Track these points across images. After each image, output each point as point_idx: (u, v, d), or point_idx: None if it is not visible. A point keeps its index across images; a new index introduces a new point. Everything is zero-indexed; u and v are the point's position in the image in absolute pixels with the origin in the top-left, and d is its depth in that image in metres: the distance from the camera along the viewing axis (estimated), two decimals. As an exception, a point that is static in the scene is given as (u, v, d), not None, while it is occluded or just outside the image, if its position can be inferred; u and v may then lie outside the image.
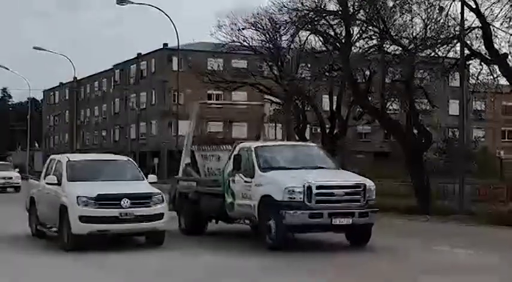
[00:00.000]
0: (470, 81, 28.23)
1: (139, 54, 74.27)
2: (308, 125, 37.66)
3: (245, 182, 15.01)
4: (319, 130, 37.63)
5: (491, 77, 26.94)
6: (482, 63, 26.65)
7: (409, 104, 28.03)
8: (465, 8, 24.76)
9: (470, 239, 17.87)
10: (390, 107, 33.03)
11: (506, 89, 29.63)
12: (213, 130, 68.11)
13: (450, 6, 25.89)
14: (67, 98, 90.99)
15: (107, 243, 14.89)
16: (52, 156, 17.16)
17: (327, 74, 33.38)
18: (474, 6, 25.02)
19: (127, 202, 14.03)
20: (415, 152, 27.00)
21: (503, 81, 27.45)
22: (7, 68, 74.34)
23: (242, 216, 15.79)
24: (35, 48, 64.91)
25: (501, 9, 24.96)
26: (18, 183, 39.91)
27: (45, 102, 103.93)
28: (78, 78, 77.62)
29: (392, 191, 33.96)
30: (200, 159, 18.09)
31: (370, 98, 31.12)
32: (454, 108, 54.06)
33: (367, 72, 31.48)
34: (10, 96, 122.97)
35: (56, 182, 15.07)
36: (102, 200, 14.03)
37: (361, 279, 11.84)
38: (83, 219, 13.86)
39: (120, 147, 75.94)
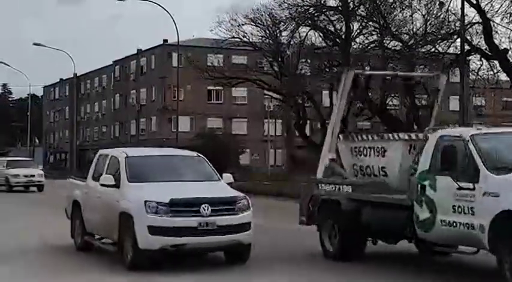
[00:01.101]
0: (470, 77, 28.25)
1: (139, 50, 74.29)
2: (308, 121, 37.68)
3: (460, 188, 9.89)
4: (319, 126, 37.65)
5: (492, 73, 26.97)
6: (483, 59, 26.67)
7: (409, 99, 28.02)
8: (465, 3, 24.78)
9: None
10: (390, 103, 33.05)
11: (506, 84, 29.64)
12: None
13: (450, 2, 26.03)
14: (67, 94, 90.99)
15: (173, 260, 11.73)
16: (102, 152, 13.89)
17: (327, 69, 33.39)
18: (474, 2, 25.02)
19: (207, 209, 11.09)
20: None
21: (503, 76, 27.46)
22: (7, 64, 74.36)
23: (451, 239, 10.46)
24: (35, 44, 64.94)
25: (501, 5, 25.00)
26: (41, 182, 36.38)
27: (45, 98, 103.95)
28: (78, 74, 77.65)
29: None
30: (347, 153, 13.22)
31: (370, 94, 31.12)
32: (454, 104, 54.05)
33: (367, 68, 31.47)
34: (10, 92, 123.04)
35: (113, 183, 12.01)
36: (177, 206, 11.11)
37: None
38: (154, 230, 10.95)
39: (120, 144, 76.08)
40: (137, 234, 11.01)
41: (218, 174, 12.64)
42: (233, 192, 11.91)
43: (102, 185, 12.25)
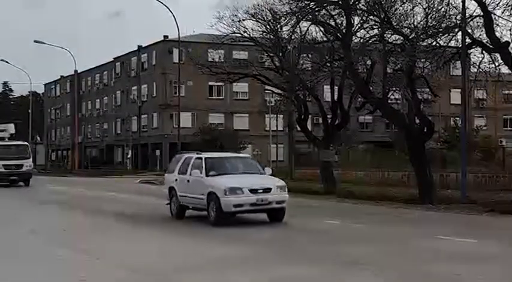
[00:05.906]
0: (471, 70, 28.21)
1: (140, 47, 74.26)
2: (309, 116, 37.66)
3: None
4: (320, 120, 37.62)
5: (493, 66, 26.90)
6: (484, 52, 26.60)
7: (410, 93, 28.00)
8: (466, -4, 24.72)
9: (473, 228, 17.88)
10: (392, 97, 33.01)
11: (507, 77, 29.59)
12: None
13: (451, -5, 25.83)
14: (68, 91, 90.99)
15: None
16: None
17: (328, 64, 33.34)
18: (475, -5, 24.93)
19: None
20: (418, 141, 27.00)
21: (504, 69, 27.41)
22: (8, 62, 74.39)
23: None
24: (35, 41, 65.04)
25: (503, -3, 24.88)
26: (282, 202, 18.48)
27: (46, 95, 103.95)
28: (79, 71, 77.65)
29: (395, 180, 34.01)
30: None
31: (371, 88, 31.07)
32: (455, 97, 54.01)
33: (369, 62, 31.42)
34: (11, 90, 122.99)
35: None
36: None
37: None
38: None
39: (122, 140, 76.08)
40: None
41: None
42: None
43: None
